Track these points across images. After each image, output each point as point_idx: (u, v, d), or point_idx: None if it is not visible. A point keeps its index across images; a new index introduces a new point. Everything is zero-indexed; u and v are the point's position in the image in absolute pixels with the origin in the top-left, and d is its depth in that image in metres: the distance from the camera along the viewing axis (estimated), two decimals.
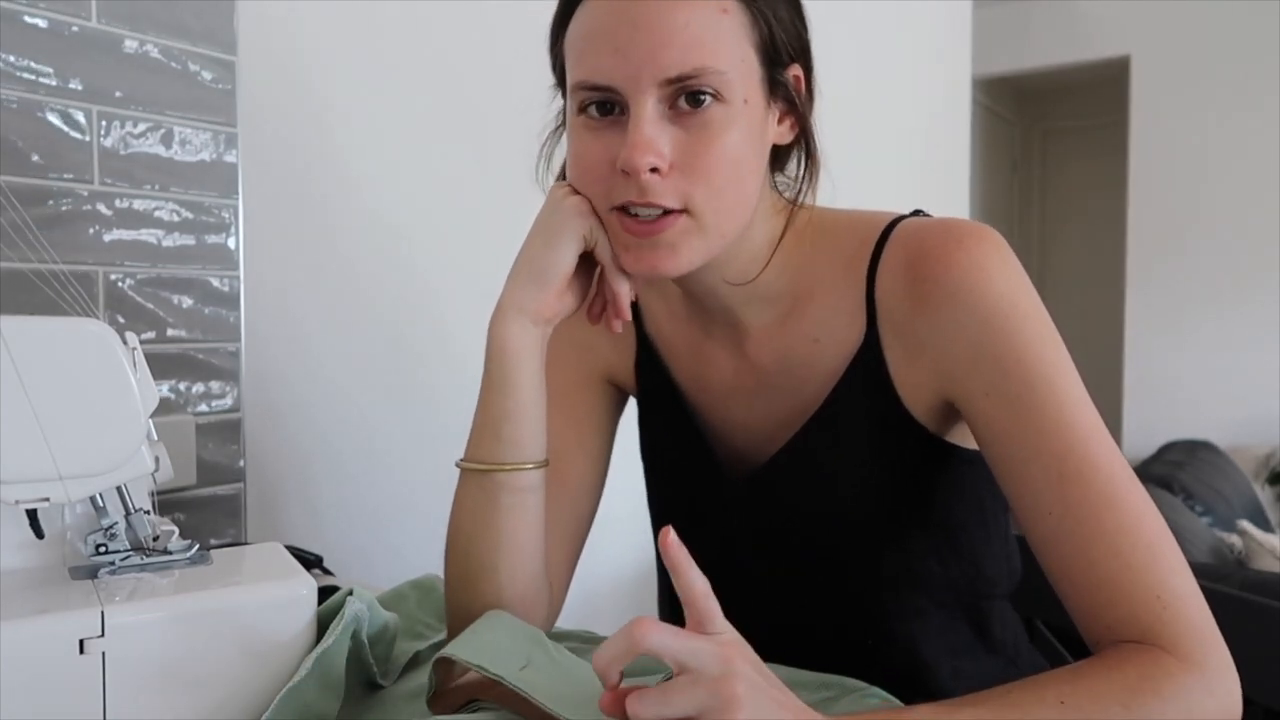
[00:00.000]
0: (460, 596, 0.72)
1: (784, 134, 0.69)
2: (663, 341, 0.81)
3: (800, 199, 0.71)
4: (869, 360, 0.70)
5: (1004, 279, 0.65)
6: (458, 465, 0.71)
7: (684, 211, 0.63)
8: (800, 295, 0.73)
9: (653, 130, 0.61)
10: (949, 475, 0.73)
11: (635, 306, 0.82)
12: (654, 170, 0.62)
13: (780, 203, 0.73)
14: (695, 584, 0.50)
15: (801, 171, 0.71)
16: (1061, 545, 0.61)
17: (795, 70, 0.67)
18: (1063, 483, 0.61)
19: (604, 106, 0.64)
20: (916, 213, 0.74)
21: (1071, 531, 0.61)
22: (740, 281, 0.71)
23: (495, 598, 0.70)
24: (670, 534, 0.49)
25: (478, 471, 0.70)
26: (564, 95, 0.70)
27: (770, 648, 0.77)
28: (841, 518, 0.73)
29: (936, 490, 0.73)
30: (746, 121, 0.64)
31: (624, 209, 0.64)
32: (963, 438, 0.73)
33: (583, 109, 0.65)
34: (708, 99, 0.62)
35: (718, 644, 0.48)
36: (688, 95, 0.62)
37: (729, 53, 0.62)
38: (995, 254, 0.65)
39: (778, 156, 0.71)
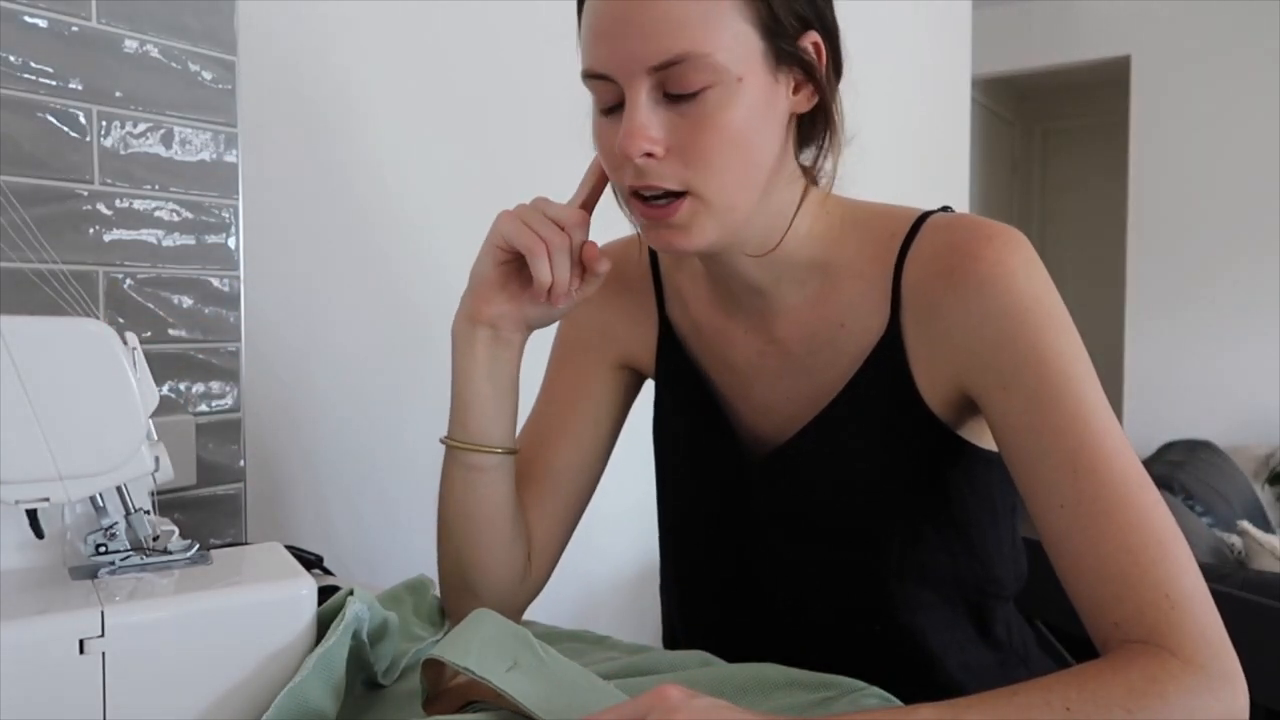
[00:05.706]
0: (443, 562, 0.80)
1: (801, 103, 0.69)
2: (686, 323, 0.83)
3: (819, 166, 0.72)
4: (890, 348, 0.71)
5: (1028, 277, 0.66)
6: (440, 441, 0.78)
7: (687, 193, 0.65)
8: (829, 277, 0.74)
9: (645, 117, 0.63)
10: (962, 471, 0.73)
11: (659, 290, 0.84)
12: (650, 155, 0.63)
13: (799, 170, 0.73)
14: None
15: (824, 142, 0.71)
16: (1072, 539, 0.62)
17: (811, 38, 0.67)
18: (1076, 477, 0.61)
19: (609, 95, 0.66)
20: (944, 209, 0.75)
21: (1083, 526, 0.61)
22: (760, 253, 0.72)
23: (465, 560, 0.78)
24: None
25: (447, 445, 0.77)
26: None
27: (782, 627, 0.78)
28: (853, 503, 0.74)
29: (949, 485, 0.73)
30: (748, 98, 0.64)
31: (636, 193, 0.67)
32: (977, 435, 0.73)
33: (595, 97, 0.67)
34: (696, 83, 0.62)
35: (647, 693, 0.51)
36: (674, 81, 0.62)
37: (716, 34, 0.62)
38: (1022, 253, 0.67)
39: (804, 124, 0.71)
